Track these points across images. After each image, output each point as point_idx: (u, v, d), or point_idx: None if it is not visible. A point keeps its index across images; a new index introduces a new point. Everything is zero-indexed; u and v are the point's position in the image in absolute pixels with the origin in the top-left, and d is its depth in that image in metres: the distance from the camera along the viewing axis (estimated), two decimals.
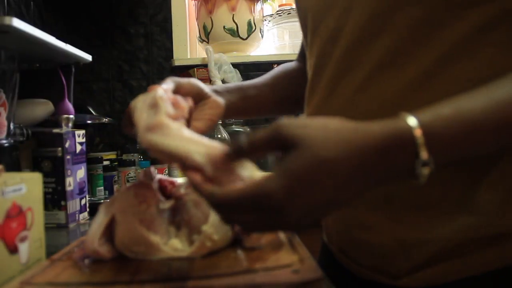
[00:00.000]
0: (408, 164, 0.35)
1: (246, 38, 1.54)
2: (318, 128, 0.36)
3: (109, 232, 0.47)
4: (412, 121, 0.35)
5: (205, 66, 1.49)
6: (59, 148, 0.87)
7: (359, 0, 0.46)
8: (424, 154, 0.35)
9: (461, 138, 0.36)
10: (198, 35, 1.61)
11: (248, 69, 1.57)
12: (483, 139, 0.37)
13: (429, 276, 0.44)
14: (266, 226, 0.37)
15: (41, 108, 1.01)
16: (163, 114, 0.42)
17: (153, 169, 0.53)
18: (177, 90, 0.51)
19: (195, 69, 1.44)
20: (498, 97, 0.36)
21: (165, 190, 0.51)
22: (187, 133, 0.41)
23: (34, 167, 0.88)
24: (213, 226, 0.46)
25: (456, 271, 0.43)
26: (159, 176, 0.52)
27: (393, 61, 0.44)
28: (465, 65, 0.42)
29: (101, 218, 0.47)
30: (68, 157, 0.88)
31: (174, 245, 0.46)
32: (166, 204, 0.48)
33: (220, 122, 1.40)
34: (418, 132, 0.35)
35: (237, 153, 0.38)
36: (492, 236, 0.42)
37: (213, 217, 0.46)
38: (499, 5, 0.41)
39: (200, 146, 0.39)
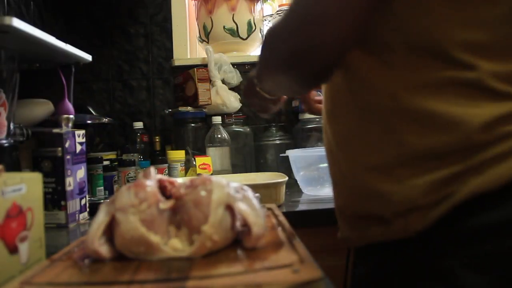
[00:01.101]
0: None
1: (246, 38, 1.54)
2: None
3: (109, 232, 0.47)
4: None
5: (205, 66, 1.49)
6: (59, 148, 0.87)
7: None
8: None
9: None
10: (198, 35, 1.61)
11: (248, 69, 1.57)
12: None
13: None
14: None
15: (41, 108, 1.01)
16: None
17: (153, 169, 0.53)
18: None
19: (195, 69, 1.44)
20: None
21: (165, 190, 0.51)
22: None
23: (34, 167, 0.88)
24: (213, 226, 0.46)
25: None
26: (159, 176, 0.52)
27: None
28: None
29: (101, 218, 0.47)
30: (68, 157, 0.88)
31: (174, 245, 0.45)
32: (166, 204, 0.48)
33: (220, 122, 1.40)
34: None
35: None
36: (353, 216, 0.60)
37: (213, 217, 0.46)
38: None
39: None
